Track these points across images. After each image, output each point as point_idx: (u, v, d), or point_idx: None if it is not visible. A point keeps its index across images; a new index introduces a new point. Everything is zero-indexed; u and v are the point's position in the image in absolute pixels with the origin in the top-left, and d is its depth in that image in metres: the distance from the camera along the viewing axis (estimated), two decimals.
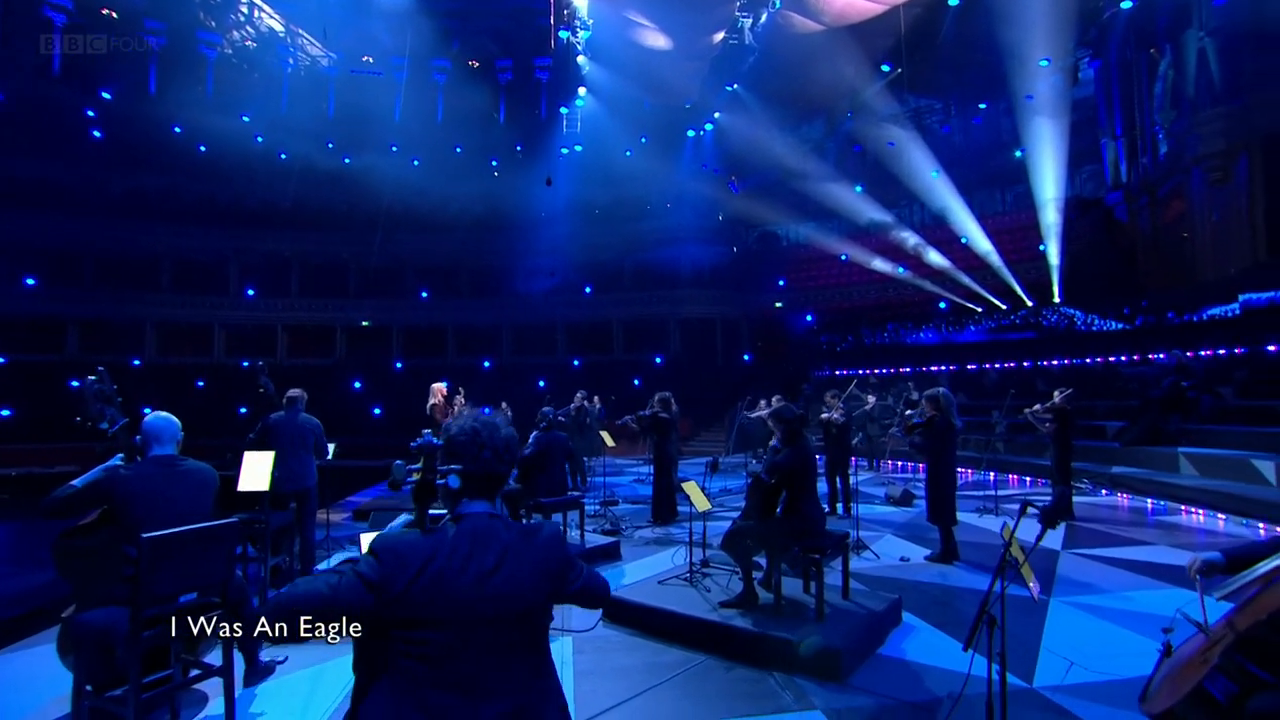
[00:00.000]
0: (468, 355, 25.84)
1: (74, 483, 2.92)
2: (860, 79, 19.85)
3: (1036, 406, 8.01)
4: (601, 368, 24.03)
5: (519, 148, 26.49)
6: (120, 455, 3.19)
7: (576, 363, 25.29)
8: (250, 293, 26.25)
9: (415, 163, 25.02)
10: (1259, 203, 13.69)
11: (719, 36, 20.01)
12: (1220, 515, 7.67)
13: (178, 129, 22.97)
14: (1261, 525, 7.18)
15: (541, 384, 22.33)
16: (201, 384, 22.75)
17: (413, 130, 24.59)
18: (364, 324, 26.44)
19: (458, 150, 25.68)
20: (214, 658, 3.74)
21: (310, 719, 3.19)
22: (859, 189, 23.09)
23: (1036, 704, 3.20)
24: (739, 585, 4.47)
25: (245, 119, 23.33)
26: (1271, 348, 11.03)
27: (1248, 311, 11.66)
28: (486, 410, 7.92)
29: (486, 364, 24.33)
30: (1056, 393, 7.78)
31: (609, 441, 8.35)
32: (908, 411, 8.01)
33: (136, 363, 23.52)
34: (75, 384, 3.60)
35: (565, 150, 24.26)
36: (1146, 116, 16.92)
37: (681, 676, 3.60)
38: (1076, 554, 6.03)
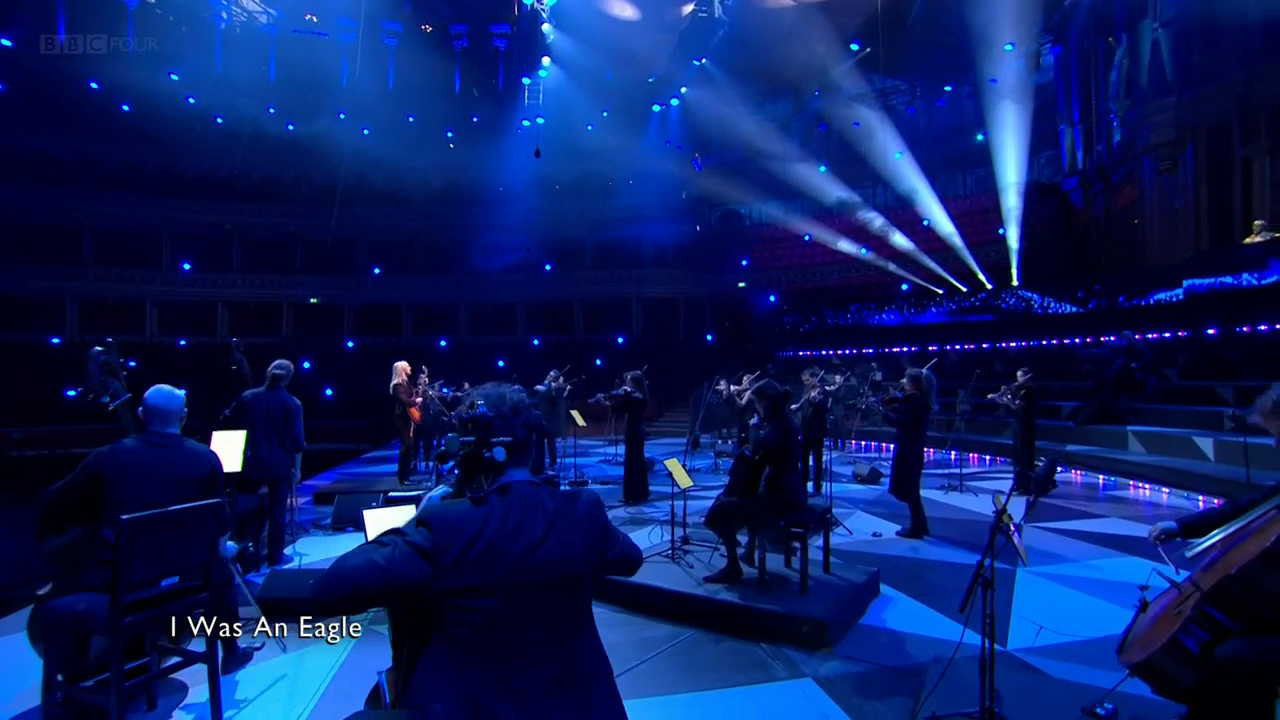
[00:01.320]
0: (423, 334, 25.38)
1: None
2: (830, 57, 20.09)
3: (1003, 388, 8.43)
4: (562, 347, 23.92)
5: (475, 119, 25.91)
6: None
7: (536, 342, 25.14)
8: (186, 267, 25.10)
9: (365, 132, 24.23)
10: (1203, 192, 14.51)
11: (688, 8, 19.93)
12: (1165, 489, 8.24)
13: (95, 85, 21.52)
14: (1200, 498, 7.75)
15: (501, 363, 22.13)
16: (134, 364, 21.57)
17: (362, 97, 23.75)
18: (313, 301, 25.64)
19: (410, 120, 24.97)
20: (195, 644, 3.71)
21: (297, 704, 3.17)
22: (823, 169, 23.44)
23: (1012, 664, 3.44)
24: (720, 561, 4.63)
25: (174, 77, 22.04)
26: (1211, 332, 11.79)
27: (1191, 297, 12.39)
28: (447, 390, 7.83)
29: (443, 343, 23.93)
30: (1020, 372, 8.19)
31: (579, 421, 8.39)
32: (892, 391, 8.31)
33: (56, 341, 22.28)
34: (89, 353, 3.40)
35: (526, 122, 23.83)
36: (1102, 104, 17.65)
37: (672, 650, 3.72)
38: (1037, 527, 6.41)
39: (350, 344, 24.82)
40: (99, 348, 3.12)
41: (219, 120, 23.95)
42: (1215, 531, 2.35)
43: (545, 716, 1.43)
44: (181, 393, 3.13)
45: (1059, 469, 9.82)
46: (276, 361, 5.59)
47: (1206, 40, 14.31)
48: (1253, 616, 2.06)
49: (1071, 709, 2.62)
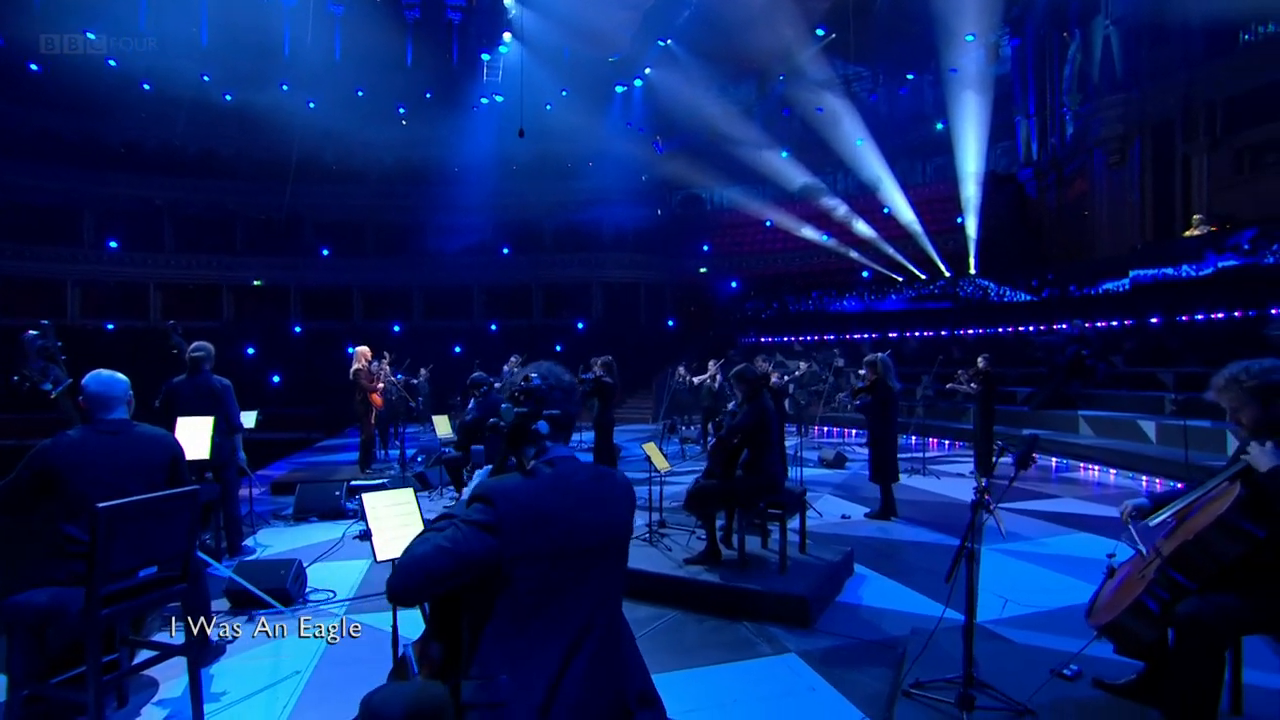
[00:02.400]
0: (376, 318, 24.83)
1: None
2: (796, 41, 20.32)
3: (960, 374, 8.83)
4: (520, 332, 23.76)
5: (429, 94, 25.30)
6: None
7: (494, 327, 24.90)
8: (113, 245, 23.86)
9: (311, 105, 23.36)
10: (1148, 186, 15.36)
11: None
12: (1112, 470, 8.80)
13: None
14: (1144, 478, 8.32)
15: (457, 349, 21.87)
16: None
17: (307, 68, 22.89)
18: (256, 283, 24.73)
19: (360, 94, 24.21)
20: (160, 637, 3.64)
21: (280, 695, 3.16)
22: (785, 154, 23.77)
23: (982, 635, 3.66)
24: (698, 544, 4.77)
25: (90, 36, 20.67)
26: (1155, 320, 12.56)
27: (1136, 287, 13.13)
28: (399, 375, 7.76)
29: (396, 328, 23.46)
30: (980, 359, 8.58)
31: None
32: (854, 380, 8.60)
33: None
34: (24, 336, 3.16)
35: (485, 100, 23.39)
36: (1057, 97, 18.41)
37: (656, 630, 3.85)
38: (999, 507, 6.77)
39: (298, 329, 24.10)
40: (34, 331, 3.00)
41: (145, 86, 22.65)
42: (1175, 502, 2.58)
43: (598, 681, 1.53)
44: (123, 377, 3.06)
45: (1011, 454, 10.35)
46: (194, 344, 5.41)
47: (1154, 39, 15.09)
48: (1207, 577, 2.29)
49: (1040, 671, 2.84)
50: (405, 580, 1.44)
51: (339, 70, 23.43)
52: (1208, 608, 2.21)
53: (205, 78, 22.80)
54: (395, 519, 2.44)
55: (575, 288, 26.21)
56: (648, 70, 22.86)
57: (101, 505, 2.52)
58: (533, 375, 1.67)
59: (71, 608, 2.59)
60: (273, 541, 5.82)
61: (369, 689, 3.12)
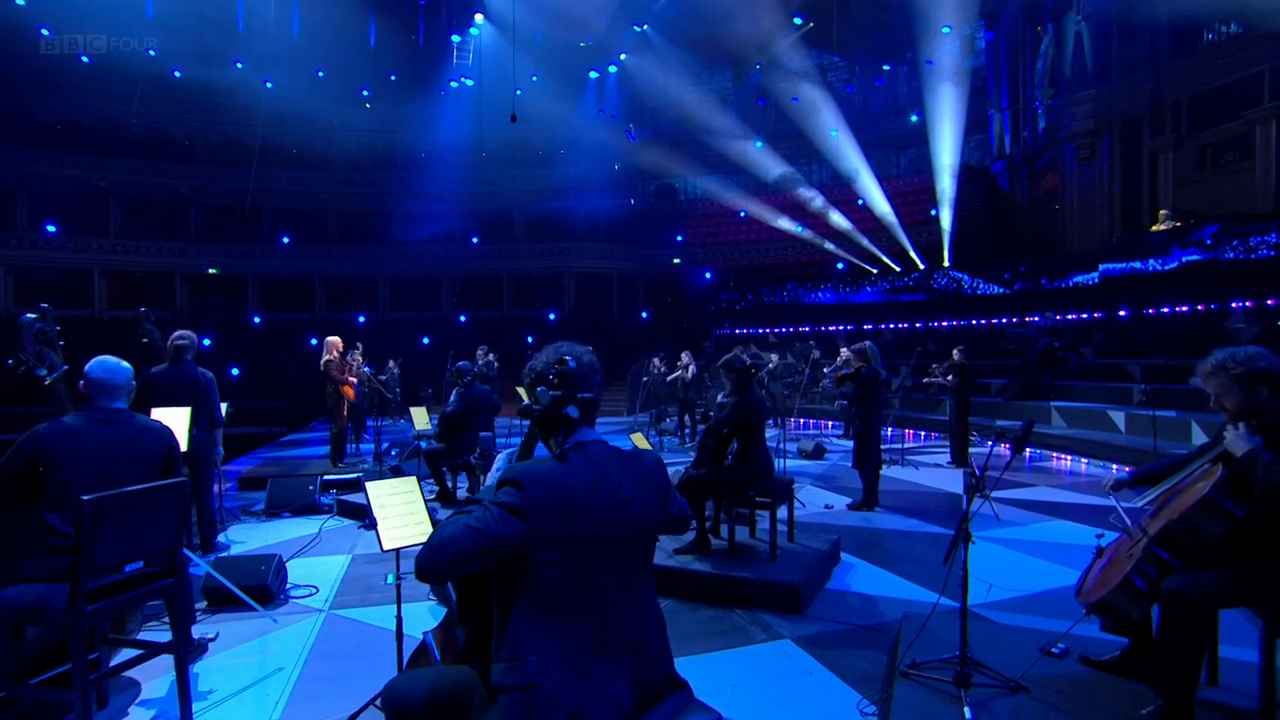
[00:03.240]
0: (339, 309, 24.43)
1: None
2: (774, 29, 20.47)
3: (934, 367, 9.09)
4: (491, 324, 23.63)
5: (393, 77, 24.83)
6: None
7: (463, 318, 24.70)
8: (51, 229, 22.97)
9: (269, 85, 22.73)
10: (1116, 181, 15.92)
11: None
12: (1084, 459, 9.16)
13: None
14: (1115, 466, 8.67)
15: (425, 341, 21.65)
16: None
17: (263, 46, 22.28)
18: (211, 272, 24.07)
19: (320, 74, 23.64)
20: (145, 636, 3.59)
21: (271, 692, 3.14)
22: (760, 144, 23.98)
23: (970, 618, 3.84)
24: (688, 534, 4.86)
25: (19, 1, 19.67)
26: (1123, 313, 13.05)
27: (1106, 281, 13.63)
28: (367, 369, 7.69)
29: (361, 319, 23.13)
30: (955, 351, 8.83)
31: (525, 398, 8.42)
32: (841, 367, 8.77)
33: None
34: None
35: (454, 83, 23.05)
36: (1029, 91, 18.93)
37: None
38: (977, 497, 7.02)
39: (257, 319, 23.57)
40: (32, 314, 2.92)
41: (84, 59, 21.60)
42: (1163, 483, 2.74)
43: (625, 666, 1.57)
44: (126, 365, 3.01)
45: (989, 443, 10.70)
46: (178, 332, 5.31)
47: (1123, 36, 15.62)
48: (1192, 554, 2.44)
49: (1029, 651, 2.99)
50: (434, 558, 1.47)
51: (298, 49, 22.86)
52: (1192, 583, 2.37)
53: (151, 53, 21.95)
54: (400, 507, 2.45)
55: (547, 278, 26.11)
56: (623, 56, 22.79)
57: (87, 497, 2.48)
58: (567, 358, 1.70)
59: (55, 604, 2.53)
60: (245, 538, 5.74)
61: (361, 683, 3.15)
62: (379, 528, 2.38)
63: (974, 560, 4.87)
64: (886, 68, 22.79)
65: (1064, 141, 16.89)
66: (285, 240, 25.05)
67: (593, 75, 22.44)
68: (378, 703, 2.69)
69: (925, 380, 9.46)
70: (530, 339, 21.12)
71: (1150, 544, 2.51)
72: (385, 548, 2.42)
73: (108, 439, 2.79)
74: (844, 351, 11.86)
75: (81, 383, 2.93)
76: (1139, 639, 2.73)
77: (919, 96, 20.19)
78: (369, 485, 2.49)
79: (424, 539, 2.52)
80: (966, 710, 2.49)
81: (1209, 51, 14.63)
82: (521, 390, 7.28)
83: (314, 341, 22.12)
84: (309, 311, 24.44)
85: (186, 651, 2.84)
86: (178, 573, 2.96)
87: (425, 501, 2.59)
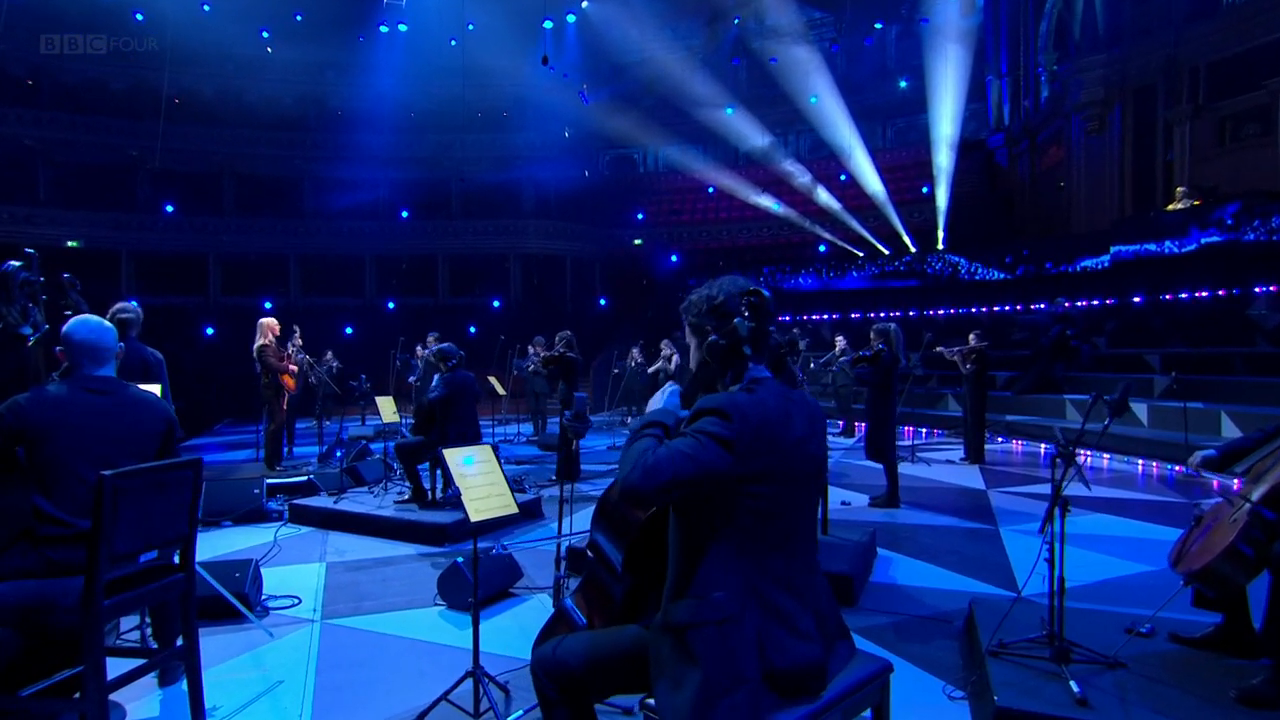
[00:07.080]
0: (240, 293, 23.67)
1: None
2: None
3: (942, 349, 9.50)
4: (424, 312, 23.29)
5: (299, 17, 23.99)
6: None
7: (391, 305, 24.32)
8: None
9: (139, 17, 21.20)
10: (1129, 155, 16.81)
11: None
12: (1105, 455, 9.72)
13: None
14: (1140, 461, 9.25)
15: (348, 330, 21.24)
16: None
17: None
18: (71, 244, 22.88)
19: (205, 8, 22.49)
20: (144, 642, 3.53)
21: (287, 707, 3.12)
22: (731, 110, 24.28)
23: (1032, 608, 4.12)
24: None
25: None
26: (1138, 299, 13.84)
27: (1117, 264, 14.43)
28: (301, 357, 7.58)
29: (268, 304, 22.40)
30: (972, 335, 9.25)
31: (499, 390, 8.47)
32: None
33: None
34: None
35: (385, 27, 22.51)
36: (1031, 56, 19.78)
37: None
38: (1001, 492, 7.43)
39: (134, 302, 22.52)
40: (16, 262, 2.82)
41: None
42: (1252, 455, 3.04)
43: (807, 603, 1.73)
44: (111, 325, 2.96)
45: (1000, 439, 11.24)
46: (119, 305, 5.21)
47: None
48: None
49: (1113, 633, 3.26)
50: (652, 478, 1.56)
51: None
52: None
53: None
54: (481, 478, 2.53)
55: (489, 260, 25.92)
56: (585, 3, 22.66)
57: (108, 473, 2.42)
58: (761, 289, 1.82)
59: (62, 602, 2.47)
60: None
61: (391, 691, 3.18)
62: (464, 498, 2.44)
63: (1018, 553, 5.22)
64: (878, 25, 23.31)
65: (1070, 112, 17.73)
66: (169, 209, 24.06)
67: (547, 25, 22.27)
68: (451, 696, 2.74)
69: (938, 349, 9.74)
70: (473, 329, 20.97)
71: (1256, 508, 2.78)
72: (473, 519, 2.49)
73: (101, 411, 2.73)
74: (839, 342, 12.25)
75: (58, 348, 2.86)
76: (1234, 614, 3.01)
77: (911, 60, 20.82)
78: (445, 453, 2.56)
79: (506, 510, 2.60)
80: (1073, 684, 2.71)
81: (1230, 14, 15.30)
82: (496, 381, 7.33)
83: (210, 331, 21.42)
84: (201, 295, 23.63)
85: (198, 657, 2.81)
86: (189, 566, 2.91)
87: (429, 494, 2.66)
